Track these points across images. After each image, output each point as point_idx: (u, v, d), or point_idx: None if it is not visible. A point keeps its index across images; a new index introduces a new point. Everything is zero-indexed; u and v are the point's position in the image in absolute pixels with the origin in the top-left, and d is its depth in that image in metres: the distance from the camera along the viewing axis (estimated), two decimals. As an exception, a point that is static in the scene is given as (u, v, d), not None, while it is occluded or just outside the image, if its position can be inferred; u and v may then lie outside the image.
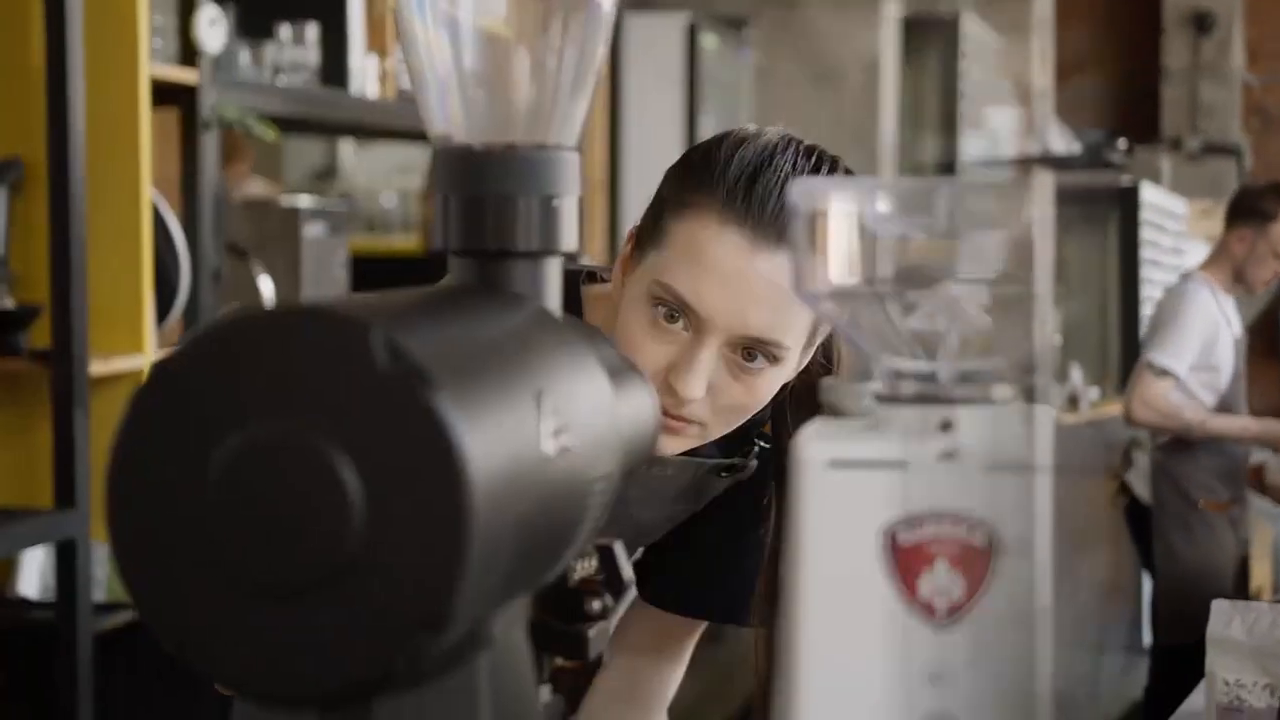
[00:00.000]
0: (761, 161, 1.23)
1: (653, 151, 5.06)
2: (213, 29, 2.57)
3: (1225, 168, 8.98)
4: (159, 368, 0.61)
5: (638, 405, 0.84)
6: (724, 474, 1.39)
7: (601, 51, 0.83)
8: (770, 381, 1.25)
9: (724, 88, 5.42)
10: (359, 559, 0.60)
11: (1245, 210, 4.23)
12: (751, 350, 1.22)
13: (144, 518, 0.62)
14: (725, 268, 1.20)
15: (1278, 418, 9.26)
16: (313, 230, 2.94)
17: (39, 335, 2.37)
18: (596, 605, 0.85)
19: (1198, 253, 8.33)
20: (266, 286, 2.88)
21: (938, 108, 7.31)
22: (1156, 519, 4.31)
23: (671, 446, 1.27)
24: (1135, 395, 4.21)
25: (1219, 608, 2.01)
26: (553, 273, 0.81)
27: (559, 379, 0.72)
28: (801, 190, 0.70)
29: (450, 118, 0.81)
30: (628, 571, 0.87)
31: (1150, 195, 6.99)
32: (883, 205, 0.70)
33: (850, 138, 5.46)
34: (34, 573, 2.55)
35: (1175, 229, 7.50)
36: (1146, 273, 7.03)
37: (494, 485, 0.62)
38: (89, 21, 2.38)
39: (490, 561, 0.63)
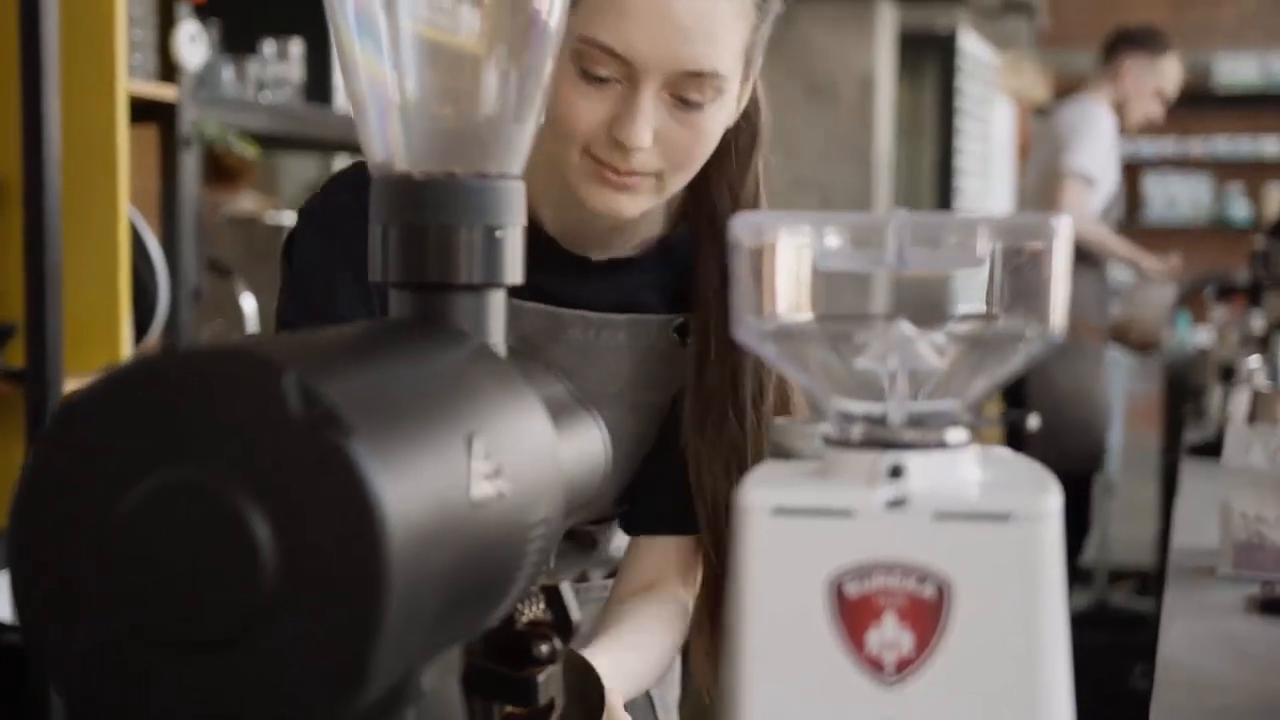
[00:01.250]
0: None
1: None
2: (193, 45, 2.54)
3: (1020, 25, 9.04)
4: (66, 408, 0.58)
5: (584, 443, 0.81)
6: (676, 333, 1.36)
7: (547, 74, 0.81)
8: (715, 120, 1.22)
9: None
10: (270, 612, 0.57)
11: (1139, 42, 4.36)
12: (689, 94, 1.19)
13: (47, 564, 0.59)
14: (645, 7, 1.17)
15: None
16: (297, 248, 2.91)
17: (13, 354, 2.34)
18: (545, 649, 0.82)
19: (1003, 106, 8.45)
20: (249, 305, 2.85)
21: (935, 123, 7.30)
22: None
23: (630, 206, 1.24)
24: (1060, 205, 4.27)
25: (1235, 434, 1.88)
26: (496, 306, 0.78)
27: (495, 420, 0.68)
28: (744, 224, 0.67)
29: (390, 145, 0.78)
30: (576, 613, 0.84)
31: (967, 44, 7.05)
32: (830, 240, 0.67)
33: (846, 154, 5.44)
34: (8, 594, 2.52)
35: (987, 80, 7.61)
36: (958, 122, 7.12)
37: (415, 534, 0.59)
38: (66, 37, 2.35)
39: (413, 613, 0.60)
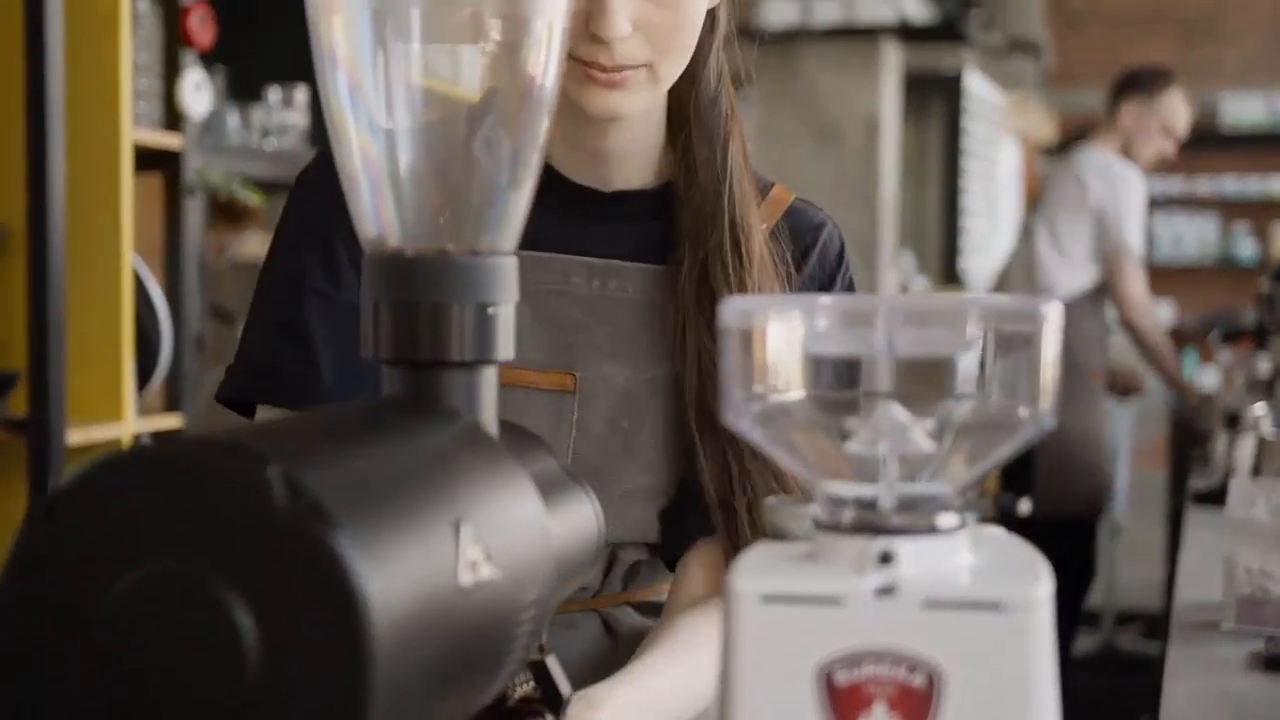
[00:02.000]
0: None
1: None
2: (198, 94, 2.55)
3: (1025, 65, 9.07)
4: (46, 503, 0.58)
5: (575, 519, 0.81)
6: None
7: (543, 135, 0.80)
8: None
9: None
10: (254, 705, 0.57)
11: (1136, 85, 4.39)
12: None
13: (31, 654, 0.58)
14: None
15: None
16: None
17: (15, 402, 2.34)
18: (538, 726, 0.82)
19: (1009, 146, 8.50)
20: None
21: (941, 163, 7.32)
22: None
23: (628, 103, 1.18)
24: (1129, 291, 4.27)
25: (1239, 486, 1.85)
26: (488, 383, 0.78)
27: (483, 504, 0.68)
28: (733, 309, 0.67)
29: (382, 221, 0.78)
30: (566, 687, 0.84)
31: (973, 84, 7.08)
32: (820, 323, 0.67)
33: (852, 196, 5.44)
34: None
35: (993, 121, 7.64)
36: (963, 163, 7.15)
37: (400, 626, 0.58)
38: (71, 85, 2.36)
39: (400, 704, 0.59)
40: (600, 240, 1.26)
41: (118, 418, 2.44)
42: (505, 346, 0.78)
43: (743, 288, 1.23)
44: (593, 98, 1.17)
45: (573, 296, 1.25)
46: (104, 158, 2.40)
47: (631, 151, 1.27)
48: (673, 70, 1.18)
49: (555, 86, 0.80)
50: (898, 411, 0.68)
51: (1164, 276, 10.16)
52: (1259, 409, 3.02)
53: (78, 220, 2.37)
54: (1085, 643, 5.20)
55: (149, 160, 2.55)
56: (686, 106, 1.26)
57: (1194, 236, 10.07)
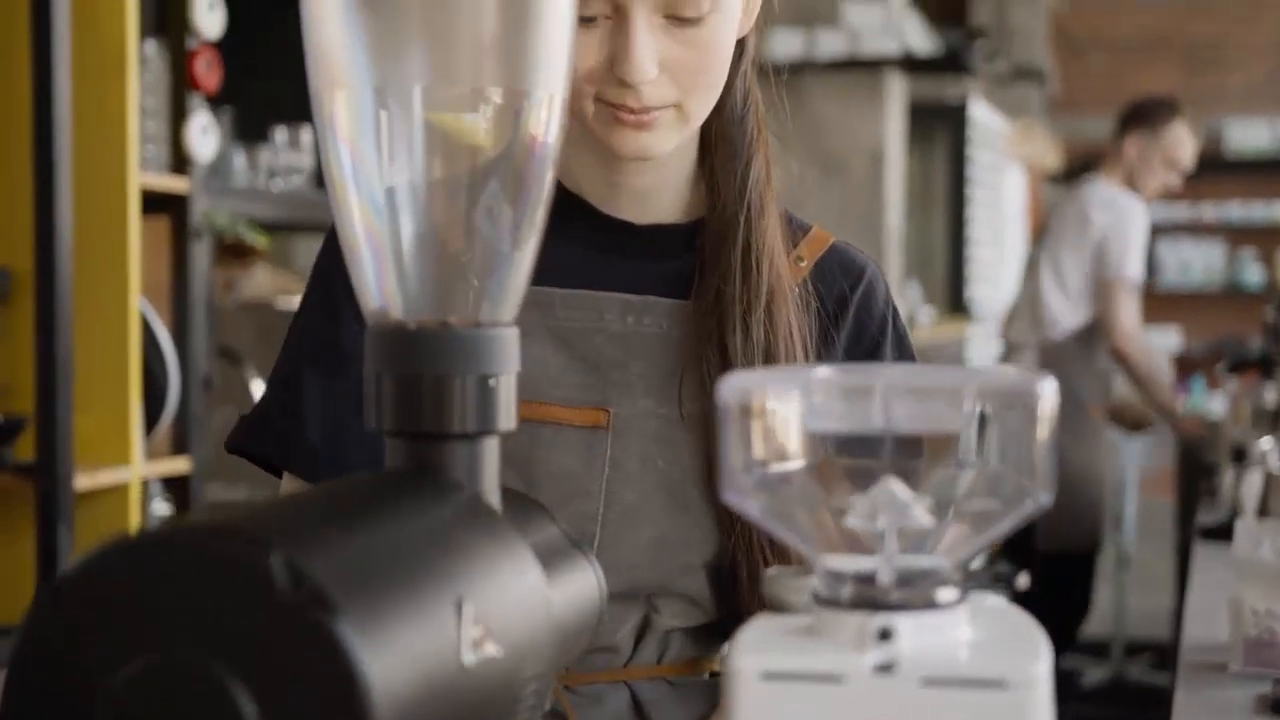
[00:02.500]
0: None
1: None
2: (204, 137, 2.56)
3: (1030, 92, 9.09)
4: (50, 591, 0.59)
5: (577, 589, 0.81)
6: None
7: (545, 198, 0.81)
8: (721, 30, 1.14)
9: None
10: (258, 791, 0.57)
11: (1139, 117, 4.38)
12: (683, 10, 1.12)
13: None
14: None
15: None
16: (308, 332, 2.92)
17: (24, 448, 2.35)
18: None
19: (1014, 174, 8.52)
20: (260, 391, 2.86)
21: (946, 192, 7.33)
22: None
23: (658, 143, 1.16)
24: (1119, 318, 4.27)
25: (1244, 527, 1.83)
26: (490, 454, 0.78)
27: (485, 580, 0.69)
28: (731, 387, 0.67)
29: (385, 293, 0.79)
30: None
31: (977, 113, 7.08)
32: (817, 399, 0.68)
33: (857, 226, 5.45)
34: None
35: (998, 148, 7.65)
36: (969, 191, 7.16)
37: (403, 709, 0.59)
38: (78, 130, 2.38)
39: (402, 786, 0.60)
40: (634, 275, 1.24)
41: (125, 462, 2.44)
42: (507, 416, 0.79)
43: (750, 319, 1.20)
44: (622, 139, 1.16)
45: (607, 334, 1.22)
46: (111, 202, 2.41)
47: (664, 186, 1.25)
48: (702, 108, 1.17)
49: (556, 154, 0.81)
50: (896, 486, 0.68)
51: (1170, 303, 10.17)
52: (1266, 443, 3.01)
53: (85, 264, 2.38)
54: (1094, 674, 5.18)
55: (156, 203, 2.56)
56: (712, 131, 1.24)
57: (1200, 262, 10.08)
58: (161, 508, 2.76)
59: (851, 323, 1.27)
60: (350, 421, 1.18)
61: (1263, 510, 2.79)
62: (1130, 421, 4.80)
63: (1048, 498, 0.67)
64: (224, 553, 0.58)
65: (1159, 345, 10.07)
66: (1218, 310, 10.16)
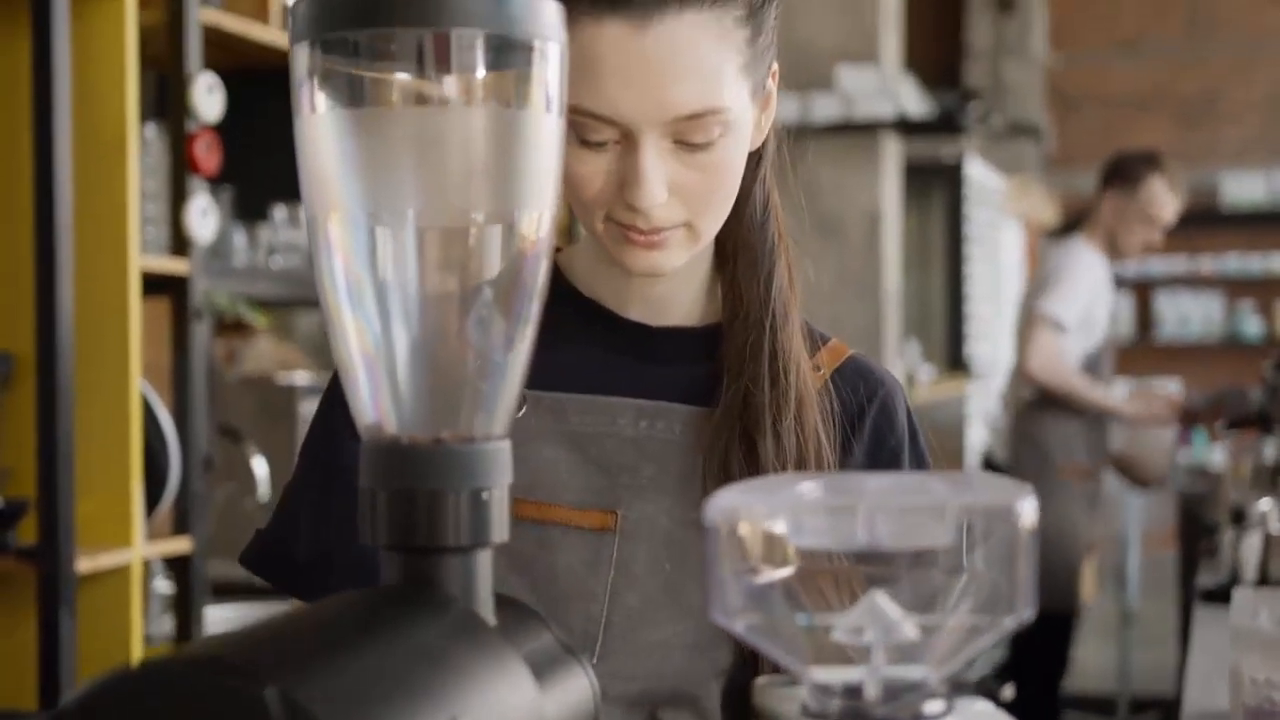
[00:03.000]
0: None
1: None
2: (204, 219, 2.59)
3: (1026, 147, 9.12)
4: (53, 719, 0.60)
5: (572, 698, 0.82)
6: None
7: (536, 309, 0.82)
8: (732, 152, 1.14)
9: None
10: None
11: (1116, 175, 4.39)
12: (693, 137, 1.11)
13: None
14: (617, 62, 1.09)
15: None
16: (310, 408, 2.94)
17: (25, 531, 2.36)
18: None
19: (1012, 230, 8.54)
20: (260, 469, 2.87)
21: (944, 250, 7.36)
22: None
23: (668, 261, 1.15)
24: (1029, 347, 4.27)
25: (1242, 596, 1.83)
26: (484, 565, 0.80)
27: (479, 696, 0.70)
28: (717, 509, 0.69)
29: (380, 409, 0.80)
30: None
31: (973, 171, 7.12)
32: (803, 518, 0.69)
33: (855, 288, 5.48)
34: None
35: (995, 205, 7.68)
36: (967, 249, 7.17)
37: (399, 835, 0.60)
38: (80, 213, 2.40)
39: None
40: (648, 379, 1.24)
41: (127, 543, 2.45)
42: (500, 528, 0.80)
43: (780, 426, 1.19)
44: (633, 258, 1.16)
45: (619, 438, 1.21)
46: (112, 284, 2.43)
47: (679, 291, 1.25)
48: (713, 226, 1.17)
49: (547, 267, 0.83)
50: (882, 600, 0.69)
51: (1169, 355, 10.19)
52: (1265, 504, 3.01)
53: (86, 348, 2.40)
54: (1101, 732, 5.17)
55: (156, 285, 2.58)
56: (733, 238, 1.24)
57: (1199, 315, 10.11)
58: (163, 586, 2.76)
59: (870, 435, 1.26)
60: (345, 539, 1.19)
61: (1263, 573, 2.80)
62: (1139, 478, 4.79)
63: (1031, 611, 0.68)
64: (220, 687, 0.59)
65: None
66: (1217, 362, 10.17)
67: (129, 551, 2.45)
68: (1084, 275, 4.31)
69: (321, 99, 0.77)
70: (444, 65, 0.76)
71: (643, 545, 1.19)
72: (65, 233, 2.34)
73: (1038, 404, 4.35)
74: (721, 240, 1.24)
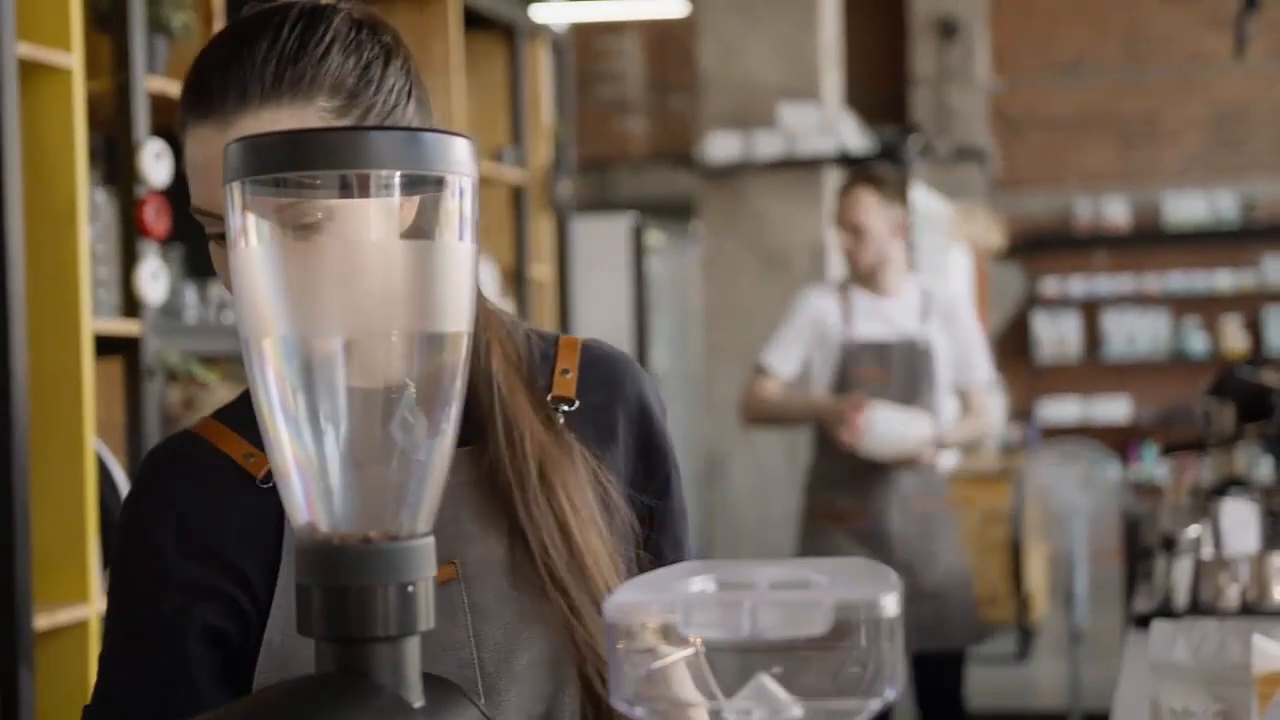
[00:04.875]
0: (216, 39, 1.20)
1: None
2: (154, 281, 2.65)
3: (972, 171, 9.27)
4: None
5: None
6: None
7: (451, 436, 0.90)
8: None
9: (672, 282, 5.54)
10: None
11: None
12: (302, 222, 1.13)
13: None
14: (208, 161, 1.16)
15: (1024, 418, 9.35)
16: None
17: (-18, 590, 2.41)
18: None
19: (959, 254, 8.68)
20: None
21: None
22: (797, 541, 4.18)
23: None
24: (741, 396, 4.15)
25: (1160, 628, 1.89)
26: (411, 651, 0.87)
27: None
28: (615, 604, 0.76)
29: (312, 510, 0.88)
30: None
31: (919, 198, 7.25)
32: (694, 615, 0.77)
33: (801, 319, 5.56)
34: None
35: (941, 230, 7.80)
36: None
37: None
38: (32, 277, 2.46)
39: None
40: None
41: (84, 599, 2.51)
42: (426, 617, 0.88)
43: (526, 490, 1.24)
44: None
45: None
46: (65, 347, 2.49)
47: None
48: None
49: (464, 374, 0.90)
50: (768, 682, 0.77)
51: (1117, 373, 10.35)
52: (1194, 530, 3.09)
53: (40, 408, 2.46)
54: (1051, 751, 5.26)
55: (108, 346, 2.64)
56: None
57: (1146, 333, 10.27)
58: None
59: (624, 415, 1.32)
60: (181, 704, 1.20)
61: (1194, 599, 2.88)
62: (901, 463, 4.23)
63: (894, 691, 0.76)
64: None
65: (1108, 414, 10.24)
66: (1164, 379, 10.33)
67: (86, 607, 2.51)
68: (797, 318, 4.13)
69: (253, 233, 0.85)
70: (364, 202, 0.84)
71: (488, 583, 1.25)
72: (18, 297, 2.39)
73: (814, 455, 4.17)
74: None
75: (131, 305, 2.65)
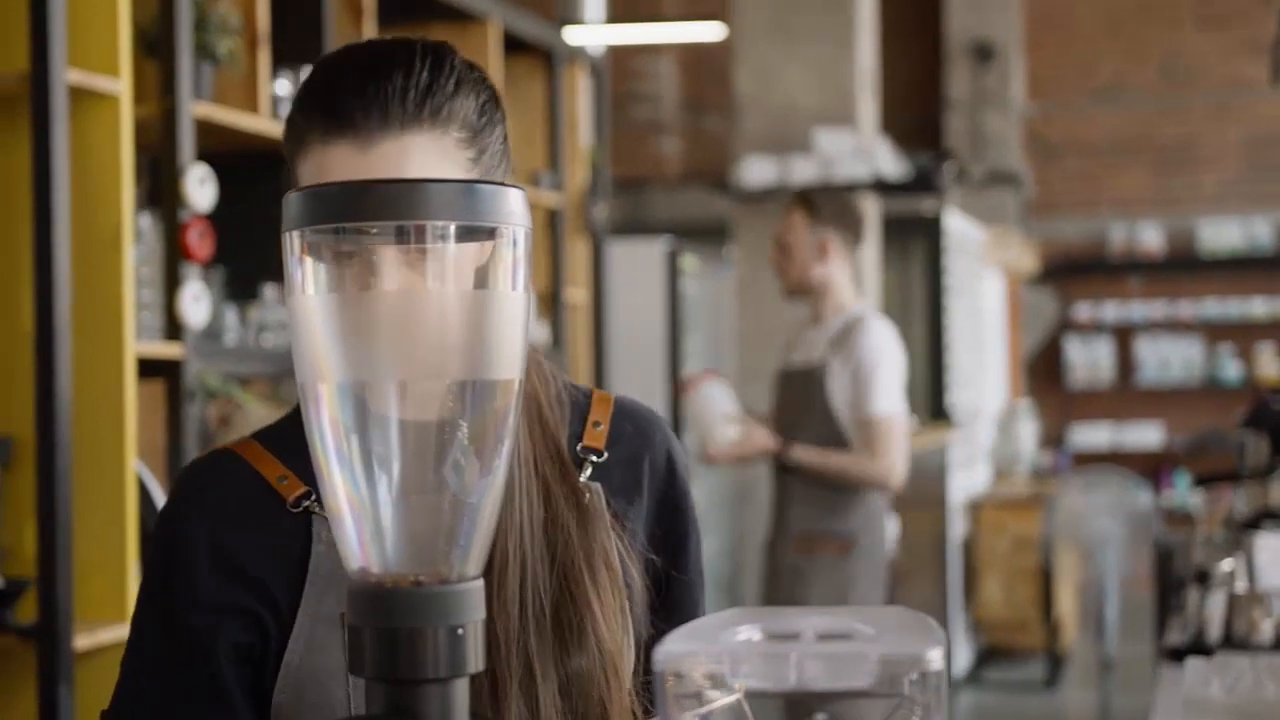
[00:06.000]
0: (343, 59, 1.22)
1: (637, 373, 5.19)
2: (196, 305, 2.68)
3: (1006, 196, 9.23)
4: None
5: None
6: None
7: (501, 482, 0.91)
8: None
9: (705, 305, 5.55)
10: None
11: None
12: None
13: None
14: (339, 179, 1.16)
15: (1055, 444, 9.13)
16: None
17: (25, 609, 2.44)
18: None
19: (992, 278, 8.65)
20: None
21: (924, 302, 7.47)
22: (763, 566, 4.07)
23: None
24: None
25: (1195, 666, 1.90)
26: (460, 693, 0.88)
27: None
28: (665, 652, 0.78)
29: (365, 554, 0.90)
30: None
31: (953, 223, 7.23)
32: (742, 666, 0.78)
33: (835, 344, 5.56)
34: None
35: (974, 255, 7.78)
36: (946, 300, 7.27)
37: None
38: (77, 301, 2.49)
39: None
40: None
41: (123, 620, 2.53)
42: (475, 659, 0.89)
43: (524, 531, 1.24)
44: None
45: None
46: (109, 370, 2.52)
47: None
48: None
49: (515, 419, 0.92)
50: (814, 729, 0.79)
51: (1150, 399, 10.31)
52: (1227, 565, 3.08)
53: (84, 431, 2.49)
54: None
55: (151, 368, 2.67)
56: None
57: (1179, 359, 10.22)
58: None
59: (649, 470, 1.34)
60: (203, 711, 1.21)
61: (1227, 633, 2.87)
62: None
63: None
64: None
65: (1140, 440, 10.20)
66: (1197, 405, 10.28)
67: (125, 628, 2.53)
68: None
69: (311, 282, 0.87)
70: (420, 252, 0.86)
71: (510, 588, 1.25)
72: (64, 321, 2.43)
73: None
74: None
75: (174, 328, 2.68)
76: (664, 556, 1.33)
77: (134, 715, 1.25)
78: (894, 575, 4.28)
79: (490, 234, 0.88)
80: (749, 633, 0.80)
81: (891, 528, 4.18)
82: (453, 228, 0.86)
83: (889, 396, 3.85)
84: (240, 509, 1.27)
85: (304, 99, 1.22)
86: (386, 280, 0.94)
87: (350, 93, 1.19)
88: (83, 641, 2.44)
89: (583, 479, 1.29)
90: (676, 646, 0.78)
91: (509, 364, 0.89)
